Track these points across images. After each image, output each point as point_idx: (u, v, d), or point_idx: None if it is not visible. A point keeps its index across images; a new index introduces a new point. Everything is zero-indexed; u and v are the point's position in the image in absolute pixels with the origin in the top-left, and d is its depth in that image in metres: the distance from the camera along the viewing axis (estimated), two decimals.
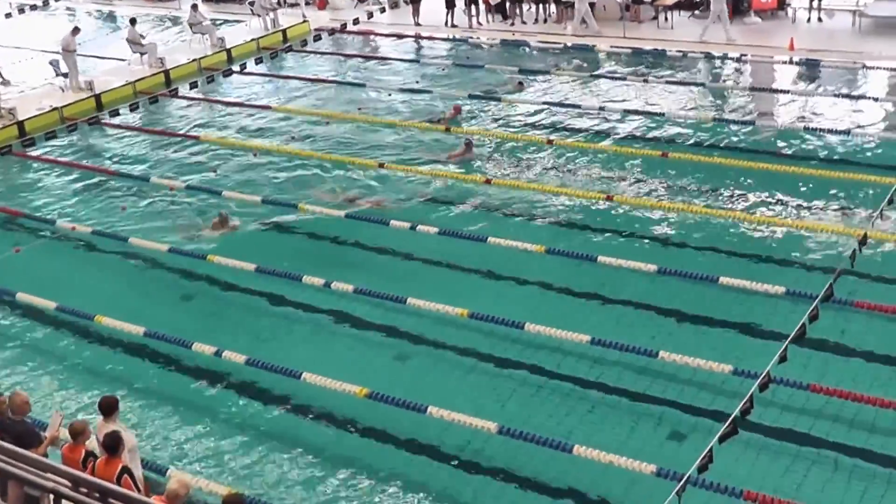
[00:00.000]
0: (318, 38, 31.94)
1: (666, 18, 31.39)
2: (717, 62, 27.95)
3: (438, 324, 14.81)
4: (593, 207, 18.45)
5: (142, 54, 29.67)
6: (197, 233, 18.33)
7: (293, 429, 12.86)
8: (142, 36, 30.36)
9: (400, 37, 32.97)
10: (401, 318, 15.09)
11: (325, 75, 29.06)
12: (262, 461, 12.23)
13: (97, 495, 8.78)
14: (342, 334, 15.09)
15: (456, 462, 12.01)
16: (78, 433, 10.51)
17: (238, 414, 13.26)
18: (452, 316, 14.68)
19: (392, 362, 14.28)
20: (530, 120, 23.74)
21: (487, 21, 33.54)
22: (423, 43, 32.34)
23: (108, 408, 10.68)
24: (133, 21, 30.58)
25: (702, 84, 25.82)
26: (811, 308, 12.78)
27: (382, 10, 34.53)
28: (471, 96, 25.62)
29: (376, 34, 33.45)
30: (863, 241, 14.77)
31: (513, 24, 33.15)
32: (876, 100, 23.76)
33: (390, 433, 12.58)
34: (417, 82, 27.72)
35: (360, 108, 25.48)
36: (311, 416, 13.10)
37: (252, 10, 33.99)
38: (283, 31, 33.09)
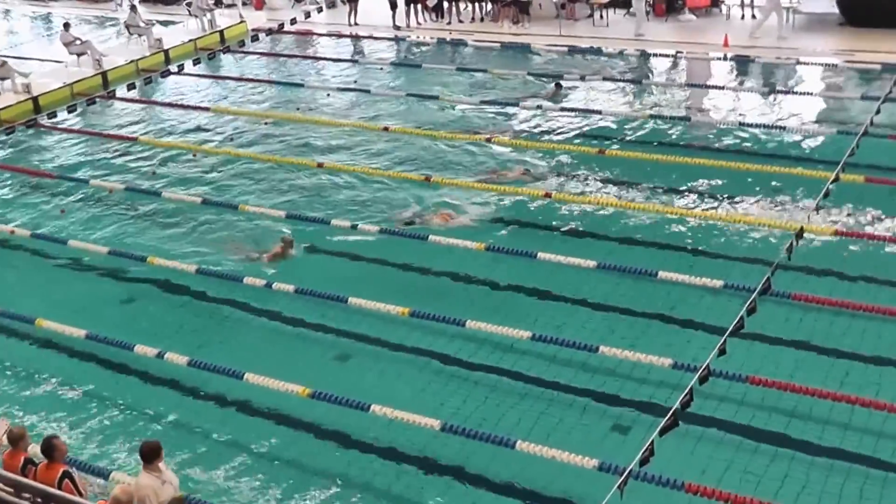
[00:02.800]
0: (255, 38, 31.67)
1: (601, 16, 31.55)
2: (653, 59, 28.11)
3: (380, 322, 14.71)
4: (532, 204, 18.44)
5: (79, 55, 29.23)
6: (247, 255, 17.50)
7: (236, 429, 12.68)
8: (78, 39, 29.91)
9: (338, 36, 32.83)
10: (342, 317, 14.97)
11: (264, 76, 28.85)
12: (205, 462, 12.03)
13: (39, 500, 8.62)
14: (284, 334, 14.93)
15: (400, 460, 11.90)
16: (17, 439, 10.29)
17: (180, 416, 13.05)
18: (393, 314, 14.58)
19: (334, 362, 14.15)
20: (468, 119, 23.69)
21: (424, 20, 33.48)
22: (362, 42, 32.21)
23: (150, 454, 10.04)
24: (66, 25, 30.16)
25: (638, 81, 25.94)
26: (749, 301, 12.85)
27: (320, 10, 34.37)
28: (408, 95, 25.57)
29: (314, 34, 33.27)
30: (799, 235, 14.89)
31: (449, 23, 33.14)
32: (809, 95, 24.04)
33: (333, 432, 12.46)
34: (356, 82, 27.60)
35: (298, 108, 25.31)
36: (253, 415, 12.93)
37: (189, 11, 33.62)
38: (221, 31, 32.80)
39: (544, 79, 26.26)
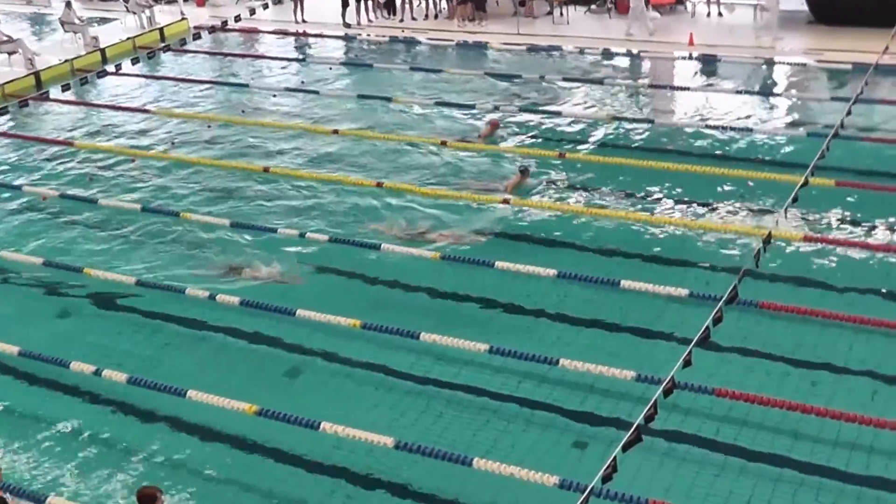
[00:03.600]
0: (197, 36, 31.60)
1: (561, 13, 31.78)
2: (616, 58, 28.34)
3: (330, 335, 14.72)
4: (489, 211, 18.54)
5: (10, 54, 29.02)
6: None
7: (179, 450, 12.62)
8: (8, 37, 29.68)
9: (284, 34, 32.83)
10: (290, 330, 14.97)
11: (207, 76, 28.78)
12: (144, 484, 11.98)
13: None
14: (229, 349, 14.90)
15: (351, 480, 11.92)
16: None
17: (119, 436, 12.99)
18: (345, 327, 14.60)
19: (282, 378, 14.14)
20: (421, 122, 23.78)
21: (376, 17, 33.55)
22: (309, 41, 32.22)
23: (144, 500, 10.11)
24: None
25: (600, 81, 26.13)
26: (715, 310, 12.99)
27: (265, 7, 34.33)
28: (359, 96, 25.63)
29: (259, 32, 33.24)
30: (767, 241, 15.09)
31: (402, 21, 33.23)
32: (778, 95, 24.37)
33: (282, 451, 12.45)
34: (303, 82, 27.61)
35: (243, 111, 25.28)
36: (198, 435, 12.90)
37: (127, 8, 33.49)
38: (161, 29, 32.69)
39: (502, 78, 26.41)
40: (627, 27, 29.60)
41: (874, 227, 17.06)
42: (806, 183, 17.14)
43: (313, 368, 14.27)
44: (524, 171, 19.72)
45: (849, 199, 17.87)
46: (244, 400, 12.83)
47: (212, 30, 32.39)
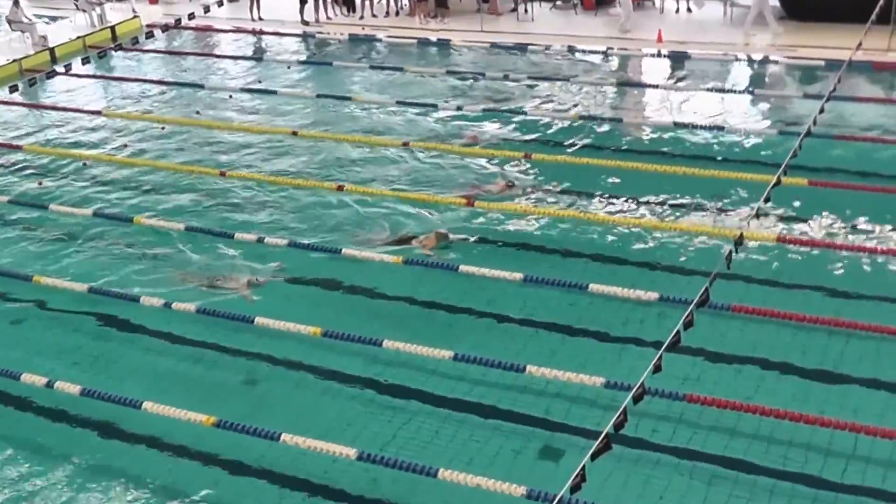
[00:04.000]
0: (150, 35, 31.46)
1: (526, 10, 31.88)
2: (583, 56, 28.43)
3: (290, 343, 14.68)
4: (453, 213, 18.58)
5: None
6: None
7: (136, 464, 12.57)
8: None
9: (240, 32, 32.75)
10: (248, 338, 14.93)
11: (160, 76, 28.66)
12: (102, 500, 11.94)
13: None
14: (185, 358, 14.83)
15: (313, 492, 11.90)
16: None
17: (72, 450, 12.90)
18: (304, 335, 14.56)
19: (241, 387, 14.10)
20: (383, 122, 23.78)
21: (335, 14, 33.53)
22: (266, 39, 32.16)
23: None
24: None
25: (566, 79, 26.22)
26: (686, 314, 13.02)
27: (220, 4, 34.20)
28: (319, 96, 25.61)
29: (214, 30, 33.14)
30: (739, 242, 15.16)
31: (362, 18, 33.24)
32: (749, 93, 24.53)
33: (242, 464, 12.41)
34: (260, 82, 27.56)
35: (197, 112, 25.20)
36: (154, 448, 12.83)
37: (77, 5, 33.28)
38: (112, 27, 32.54)
39: (466, 77, 26.47)
40: (622, 24, 29.69)
41: (848, 227, 17.21)
42: (778, 182, 17.20)
43: (273, 378, 14.24)
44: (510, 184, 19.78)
45: (822, 198, 18.01)
46: (202, 411, 12.79)
47: (165, 28, 32.25)
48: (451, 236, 17.52)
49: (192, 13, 32.29)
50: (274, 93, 26.20)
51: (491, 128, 22.89)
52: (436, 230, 17.61)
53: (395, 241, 17.57)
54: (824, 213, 17.64)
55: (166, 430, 12.97)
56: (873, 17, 22.90)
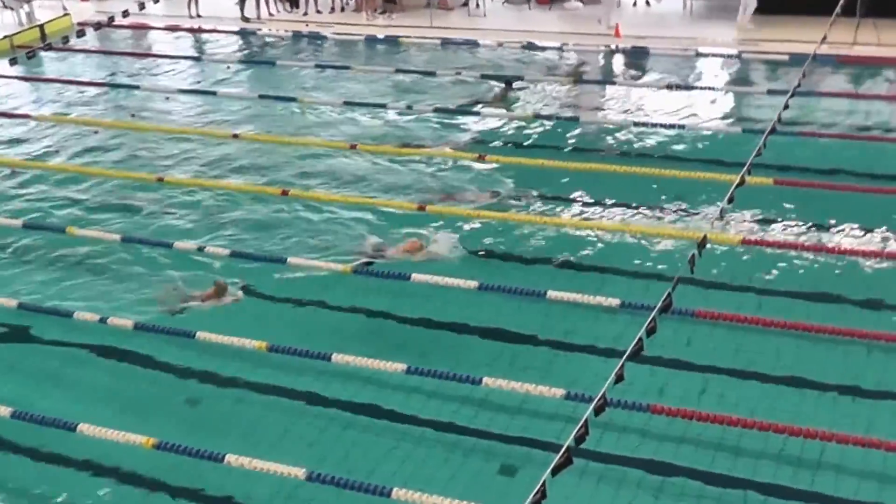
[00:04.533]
0: (81, 33, 31.13)
1: (477, 5, 31.97)
2: (537, 52, 28.52)
3: (234, 359, 14.59)
4: (404, 218, 18.53)
5: None
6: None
7: (70, 490, 12.40)
8: None
9: (177, 31, 32.58)
10: (190, 355, 14.80)
11: (93, 77, 28.44)
12: None
13: None
14: (123, 377, 14.68)
15: None
16: None
17: (4, 475, 12.75)
18: (249, 350, 14.48)
19: (182, 406, 13.97)
20: (330, 123, 23.74)
21: (277, 11, 33.45)
22: (205, 37, 32.02)
23: None
24: None
25: (520, 77, 26.27)
26: (648, 320, 13.03)
27: (156, 1, 33.98)
28: (261, 97, 25.52)
29: (150, 28, 32.95)
30: (702, 245, 15.20)
31: (305, 14, 33.19)
32: (711, 89, 24.70)
33: (185, 488, 12.29)
34: (199, 83, 27.43)
35: (133, 115, 25.03)
36: (90, 472, 12.67)
37: (3, 3, 32.98)
38: (41, 26, 32.26)
39: (415, 75, 26.47)
40: (602, 18, 29.78)
41: (816, 228, 17.36)
42: (742, 182, 17.26)
43: (216, 396, 14.11)
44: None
45: (789, 198, 18.16)
46: (141, 432, 12.66)
47: (97, 26, 31.88)
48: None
49: (126, 10, 31.91)
50: (213, 94, 26.09)
51: (442, 128, 22.88)
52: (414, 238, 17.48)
53: (372, 253, 17.41)
54: (791, 214, 17.79)
55: (103, 453, 12.81)
56: (838, 9, 23.11)
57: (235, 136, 22.86)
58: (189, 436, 12.77)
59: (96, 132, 23.97)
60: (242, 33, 32.07)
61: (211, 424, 13.51)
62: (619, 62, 27.40)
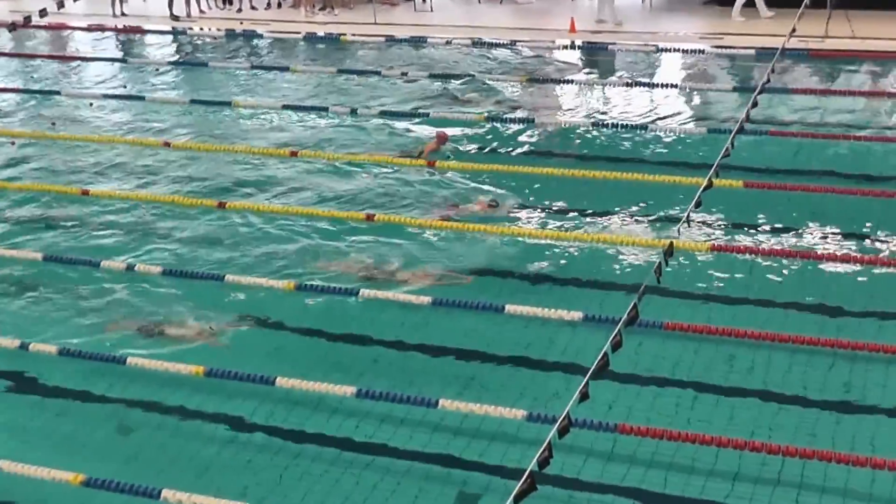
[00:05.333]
0: None
1: (424, 0, 31.96)
2: (488, 50, 28.60)
3: (168, 385, 14.46)
4: (349, 229, 18.50)
5: None
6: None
7: None
8: None
9: (101, 31, 32.39)
10: (120, 382, 14.67)
11: (7, 82, 28.21)
12: None
13: None
14: (45, 408, 14.52)
15: None
16: None
17: None
18: (185, 375, 14.36)
19: (113, 437, 13.84)
20: (268, 129, 23.67)
21: (209, 8, 33.35)
22: (131, 37, 31.87)
23: None
24: None
25: (471, 76, 26.33)
26: (613, 334, 13.06)
27: None
28: (193, 101, 25.42)
29: (70, 28, 32.73)
30: (669, 253, 15.25)
31: (240, 11, 33.13)
32: (674, 87, 24.86)
33: None
34: (125, 87, 27.28)
35: (53, 123, 24.85)
36: None
37: None
38: None
39: (359, 75, 26.47)
40: (598, 12, 29.84)
41: (789, 232, 17.50)
42: (710, 185, 17.37)
43: (150, 426, 13.94)
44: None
45: (759, 201, 18.29)
46: (68, 468, 12.50)
47: (12, 27, 31.62)
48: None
49: (44, 9, 31.70)
50: (141, 99, 25.95)
51: (389, 132, 22.88)
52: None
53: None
54: (762, 218, 17.92)
55: (26, 492, 12.63)
56: (807, 0, 23.35)
57: (167, 144, 22.76)
58: (121, 470, 12.67)
59: (13, 143, 23.76)
60: (172, 33, 31.98)
61: (144, 457, 13.37)
62: (575, 59, 27.49)
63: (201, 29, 31.93)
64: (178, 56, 30.10)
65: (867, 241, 17.20)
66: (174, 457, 13.34)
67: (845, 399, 13.36)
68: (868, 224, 17.68)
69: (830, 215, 17.87)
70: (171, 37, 31.74)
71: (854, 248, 17.05)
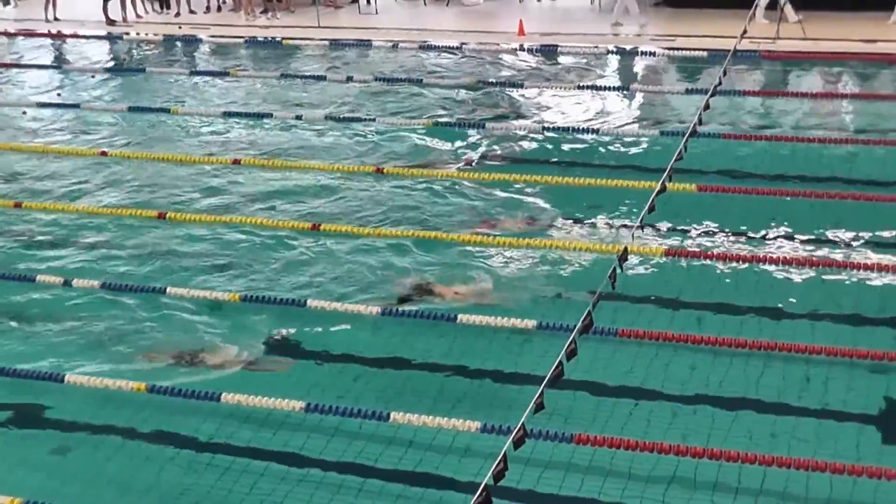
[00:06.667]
0: None
1: (369, 2, 31.98)
2: (435, 53, 28.64)
3: (109, 403, 14.33)
4: (296, 238, 18.46)
5: None
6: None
7: None
8: None
9: (33, 36, 32.16)
10: (59, 400, 14.53)
11: None
12: None
13: None
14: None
15: None
16: None
17: None
18: (126, 392, 14.24)
19: (50, 457, 13.69)
20: (207, 134, 23.57)
21: (146, 12, 33.19)
22: (65, 43, 31.66)
23: None
24: None
25: (418, 81, 26.34)
26: (568, 342, 13.11)
27: (6, 3, 33.61)
28: (131, 109, 25.28)
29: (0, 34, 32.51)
30: (623, 258, 15.36)
31: (178, 15, 32.99)
32: (625, 90, 24.97)
33: None
34: (59, 94, 27.09)
35: None
36: None
37: None
38: None
39: (303, 80, 26.43)
40: (614, 17, 29.82)
41: (745, 236, 17.61)
42: (663, 189, 17.49)
43: (88, 445, 13.80)
44: None
45: (714, 205, 18.41)
46: (3, 492, 12.38)
47: None
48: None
49: None
50: (77, 107, 25.76)
51: (335, 138, 22.84)
52: None
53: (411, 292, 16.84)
54: (717, 222, 18.02)
55: None
56: (758, 0, 23.53)
57: (103, 153, 22.60)
58: (57, 492, 12.55)
59: None
60: (108, 38, 31.76)
61: (83, 478, 13.23)
62: (524, 62, 27.55)
63: (138, 34, 31.78)
64: (114, 62, 29.93)
65: (821, 244, 17.33)
66: (113, 477, 13.09)
67: (802, 403, 13.46)
68: (822, 226, 17.82)
69: (784, 218, 18.01)
70: (107, 42, 31.55)
71: (808, 250, 17.18)
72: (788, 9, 29.08)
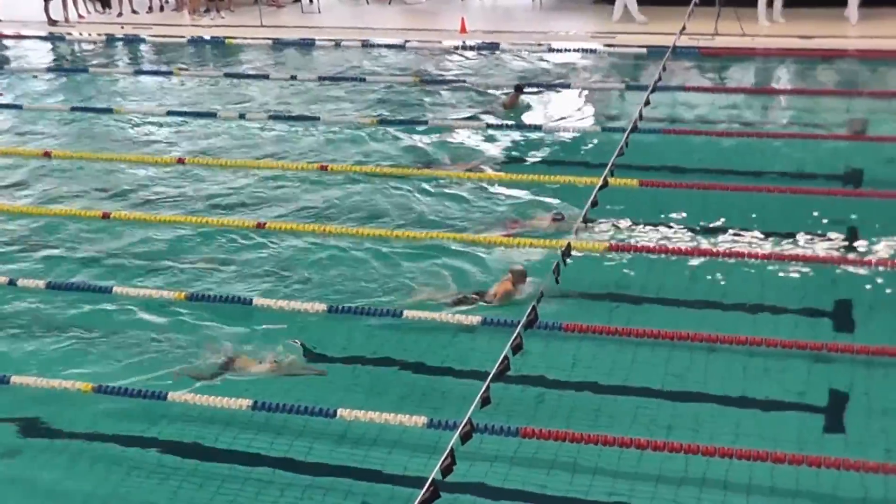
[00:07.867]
0: None
1: (311, 1, 31.90)
2: (378, 51, 28.61)
3: (56, 403, 14.12)
4: (245, 239, 18.39)
5: None
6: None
7: None
8: None
9: None
10: (5, 400, 14.35)
11: None
12: None
13: None
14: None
15: None
16: None
17: None
18: (73, 392, 14.07)
19: None
20: (152, 134, 23.42)
21: (88, 12, 32.94)
22: (5, 43, 31.39)
23: None
24: None
25: (361, 79, 26.32)
26: (513, 337, 13.11)
27: None
28: (74, 109, 25.09)
29: None
30: (567, 253, 15.36)
31: (120, 15, 32.76)
32: (566, 87, 25.04)
33: None
34: (1, 95, 26.85)
35: None
36: None
37: None
38: None
39: (246, 79, 26.33)
40: (615, 17, 29.77)
41: (687, 230, 17.71)
42: (605, 184, 17.54)
43: (36, 448, 13.62)
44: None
45: (655, 199, 18.50)
46: None
47: None
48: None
49: None
50: (19, 107, 25.53)
51: (279, 137, 22.77)
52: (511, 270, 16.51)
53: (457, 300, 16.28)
54: (659, 216, 18.12)
55: None
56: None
57: (47, 154, 22.40)
58: (6, 496, 12.44)
59: None
60: (50, 38, 31.49)
61: (32, 480, 13.08)
62: (466, 59, 27.58)
63: (80, 34, 31.54)
64: (57, 62, 29.69)
65: (763, 237, 17.45)
66: (61, 477, 12.95)
67: (744, 394, 13.55)
68: (763, 220, 17.95)
69: (726, 212, 18.13)
70: (49, 42, 31.30)
71: (750, 243, 17.30)
72: (777, 6, 29.16)
